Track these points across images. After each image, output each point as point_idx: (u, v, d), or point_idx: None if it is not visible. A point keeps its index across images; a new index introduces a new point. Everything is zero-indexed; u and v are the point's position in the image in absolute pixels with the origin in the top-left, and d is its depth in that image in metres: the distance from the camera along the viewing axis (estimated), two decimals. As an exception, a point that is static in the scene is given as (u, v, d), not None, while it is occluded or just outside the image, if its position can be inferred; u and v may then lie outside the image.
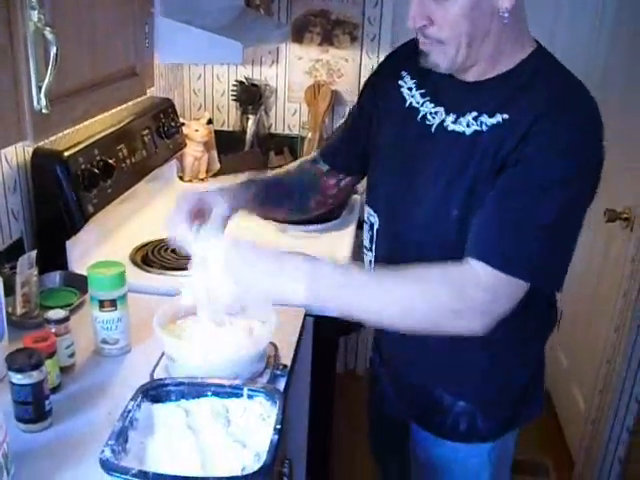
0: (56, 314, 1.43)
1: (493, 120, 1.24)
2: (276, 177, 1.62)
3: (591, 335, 2.82)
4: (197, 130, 2.74)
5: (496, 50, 1.24)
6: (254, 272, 1.24)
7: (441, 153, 1.31)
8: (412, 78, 1.41)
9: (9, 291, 1.56)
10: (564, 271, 1.23)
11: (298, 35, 2.99)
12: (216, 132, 2.93)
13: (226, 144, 2.94)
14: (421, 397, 1.53)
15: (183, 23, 1.63)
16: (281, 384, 1.43)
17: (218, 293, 1.27)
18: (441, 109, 1.33)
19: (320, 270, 1.22)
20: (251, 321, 1.47)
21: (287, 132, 3.13)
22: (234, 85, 3.04)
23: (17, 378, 1.23)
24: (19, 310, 1.62)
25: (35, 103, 1.04)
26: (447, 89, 1.33)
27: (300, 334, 1.64)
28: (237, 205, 1.43)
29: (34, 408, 1.26)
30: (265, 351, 1.44)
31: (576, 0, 2.99)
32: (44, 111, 1.04)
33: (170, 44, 1.65)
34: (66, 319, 1.44)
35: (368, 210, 1.51)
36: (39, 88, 1.03)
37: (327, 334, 1.82)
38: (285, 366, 1.47)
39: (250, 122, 2.99)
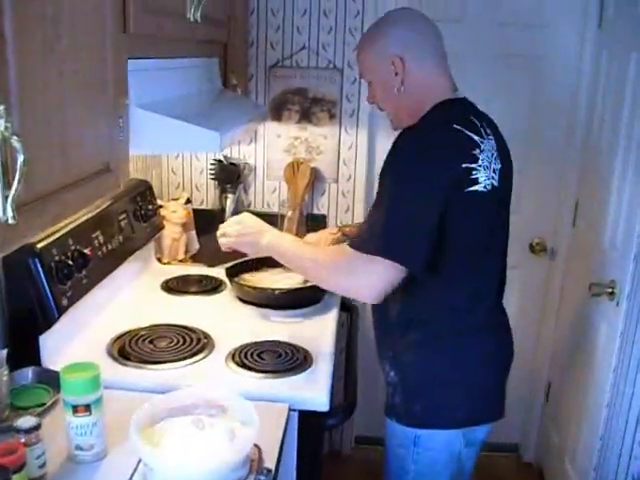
0: (26, 422, 1.35)
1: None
2: None
3: (582, 409, 2.76)
4: (175, 211, 2.70)
5: (409, 112, 1.76)
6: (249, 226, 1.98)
7: None
8: None
9: (-23, 394, 1.49)
10: (406, 242, 1.62)
11: (276, 113, 2.99)
12: (195, 211, 2.90)
13: (205, 223, 2.90)
14: (384, 377, 1.92)
15: (158, 113, 1.60)
16: (265, 491, 1.35)
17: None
18: None
19: (284, 248, 1.89)
20: (233, 422, 1.41)
21: (267, 210, 3.10)
22: (212, 164, 3.02)
23: (-18, 499, 1.15)
24: (-12, 413, 1.54)
25: (1, 214, 0.99)
26: None
27: (284, 433, 1.57)
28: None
29: (0, 531, 1.18)
30: (248, 456, 1.37)
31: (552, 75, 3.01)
32: (11, 222, 0.99)
33: (145, 135, 1.61)
34: (37, 427, 1.35)
35: None
36: (5, 198, 0.99)
37: (312, 430, 1.75)
38: (269, 470, 1.39)
39: (229, 201, 2.96)
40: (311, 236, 2.44)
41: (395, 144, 1.74)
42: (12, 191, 0.99)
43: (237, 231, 1.96)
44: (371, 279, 1.65)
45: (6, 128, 0.96)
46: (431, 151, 1.64)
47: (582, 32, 2.90)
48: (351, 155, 3.03)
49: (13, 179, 0.99)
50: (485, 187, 1.66)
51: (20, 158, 0.98)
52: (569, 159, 3.03)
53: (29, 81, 1.08)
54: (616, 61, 2.64)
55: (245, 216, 2.03)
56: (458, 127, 1.65)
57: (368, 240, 1.66)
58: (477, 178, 1.64)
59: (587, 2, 2.87)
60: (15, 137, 0.97)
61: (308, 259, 1.82)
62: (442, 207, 1.62)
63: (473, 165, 1.64)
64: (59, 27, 1.18)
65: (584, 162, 2.95)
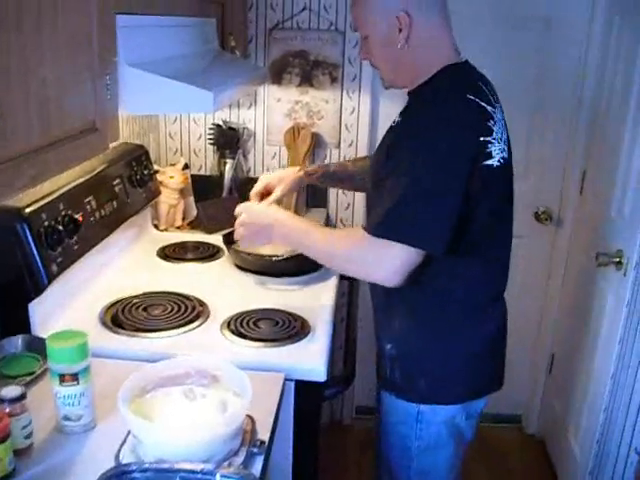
0: (10, 392, 1.31)
1: (398, 119, 1.72)
2: (342, 166, 2.28)
3: (586, 381, 2.72)
4: (172, 177, 2.63)
5: (409, 71, 1.66)
6: (258, 216, 1.87)
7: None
8: None
9: (-36, 362, 1.45)
10: (429, 225, 1.53)
11: (277, 76, 2.91)
12: (193, 177, 2.84)
13: (203, 189, 2.85)
14: (377, 350, 1.86)
15: (149, 72, 1.53)
16: (258, 464, 1.31)
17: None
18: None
19: (293, 232, 1.79)
20: (225, 393, 1.36)
21: (267, 176, 3.02)
22: (211, 128, 2.95)
23: (-39, 472, 1.11)
24: (-25, 382, 1.50)
25: (-26, 172, 0.93)
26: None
27: (279, 404, 1.52)
28: (295, 188, 2.28)
29: (-19, 504, 1.14)
30: (241, 427, 1.33)
31: (563, 40, 2.92)
32: (-17, 182, 0.93)
33: (136, 94, 1.54)
34: (22, 397, 1.31)
35: None
36: (-22, 155, 0.93)
37: (309, 401, 1.71)
38: (263, 442, 1.35)
39: (228, 166, 2.89)
40: (272, 176, 2.24)
41: (408, 115, 1.66)
42: (-16, 149, 0.93)
43: (250, 219, 1.87)
44: (394, 265, 1.56)
45: (-23, 81, 0.90)
46: (452, 126, 1.53)
47: (594, -5, 2.81)
48: (353, 120, 2.96)
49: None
50: (498, 161, 1.58)
51: (-7, 114, 0.92)
52: (577, 127, 2.96)
53: (3, 29, 1.01)
54: (628, 27, 2.56)
55: (248, 205, 1.98)
56: (472, 97, 1.56)
57: (386, 224, 1.55)
58: (491, 152, 1.56)
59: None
60: (-14, 90, 0.91)
61: (323, 251, 1.73)
62: (465, 185, 1.53)
63: (488, 138, 1.56)
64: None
65: (592, 130, 2.88)
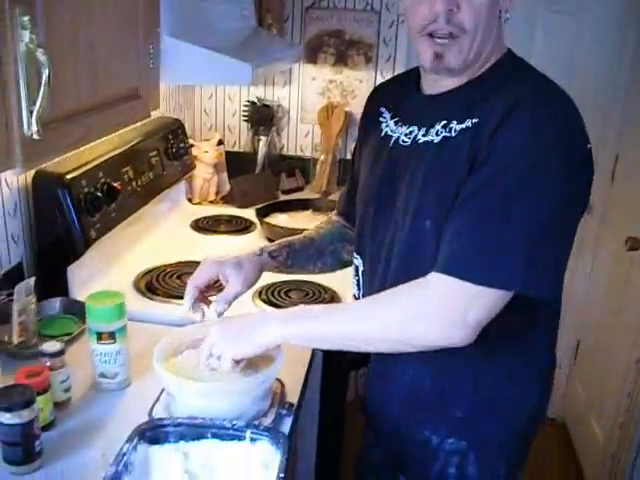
0: (51, 347, 1.36)
1: (462, 125, 1.21)
2: (307, 239, 1.64)
3: (611, 367, 2.73)
4: (207, 152, 2.68)
5: (490, 49, 1.24)
6: (240, 335, 1.28)
7: (414, 168, 1.27)
8: (389, 112, 1.40)
9: (5, 319, 1.51)
10: (552, 273, 1.15)
11: (312, 55, 2.93)
12: (227, 153, 2.88)
13: (237, 165, 2.89)
14: (403, 442, 1.42)
15: (189, 43, 1.57)
16: (286, 425, 1.35)
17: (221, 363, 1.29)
18: (414, 128, 1.30)
19: (292, 310, 1.30)
20: (256, 357, 1.40)
21: (299, 154, 3.07)
22: (245, 105, 2.99)
23: (5, 417, 1.16)
24: (16, 339, 1.55)
25: (26, 128, 0.97)
26: (419, 109, 1.32)
27: (308, 369, 1.56)
28: (254, 280, 1.49)
29: (23, 449, 1.19)
30: (270, 389, 1.37)
31: (597, 24, 2.90)
32: (35, 137, 0.97)
33: (176, 65, 1.58)
34: (61, 352, 1.36)
35: (354, 254, 1.49)
36: (30, 113, 0.97)
37: (337, 368, 1.74)
38: (291, 405, 1.39)
39: (261, 143, 2.93)
40: (222, 262, 1.47)
41: (509, 118, 1.14)
42: (37, 106, 0.97)
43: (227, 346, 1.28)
44: (479, 314, 1.12)
45: (31, 40, 0.94)
46: (576, 138, 1.17)
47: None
48: (386, 101, 2.97)
49: (38, 94, 0.98)
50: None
51: (45, 72, 0.96)
52: (609, 113, 2.94)
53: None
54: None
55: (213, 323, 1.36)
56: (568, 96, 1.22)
57: (481, 261, 1.12)
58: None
59: None
60: (41, 49, 0.95)
61: (358, 323, 1.21)
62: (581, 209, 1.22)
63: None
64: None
65: (625, 116, 2.86)
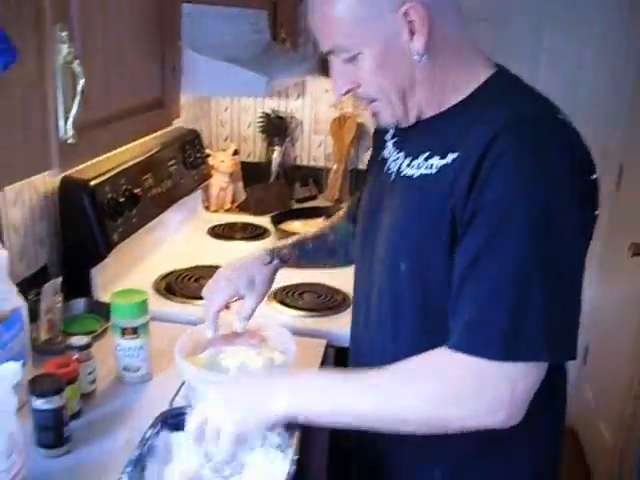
0: (79, 340, 1.45)
1: (443, 161, 1.10)
2: (320, 235, 1.66)
3: (618, 371, 2.78)
4: (223, 161, 2.77)
5: (435, 92, 1.13)
6: (243, 406, 1.14)
7: (395, 203, 1.20)
8: (394, 129, 1.28)
9: (34, 317, 1.58)
10: (574, 333, 1.09)
11: (324, 68, 3.01)
12: (242, 163, 2.97)
13: (252, 175, 2.98)
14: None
15: (208, 56, 1.66)
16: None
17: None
18: (401, 155, 1.23)
19: (300, 379, 1.19)
20: (272, 352, 1.47)
21: (312, 164, 3.16)
22: (260, 117, 3.08)
23: (38, 403, 1.24)
24: (43, 336, 1.64)
25: (62, 133, 1.06)
26: (411, 133, 1.21)
27: (321, 364, 1.64)
28: (268, 290, 1.54)
29: (54, 433, 1.27)
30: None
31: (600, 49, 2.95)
32: (70, 141, 1.07)
33: (194, 76, 1.67)
34: (88, 345, 1.45)
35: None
36: (66, 119, 1.06)
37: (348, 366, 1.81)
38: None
39: (276, 154, 3.02)
40: (233, 277, 1.52)
41: (490, 154, 1.01)
42: (72, 112, 1.06)
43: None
44: (526, 395, 1.04)
45: (69, 53, 1.04)
46: (585, 175, 1.06)
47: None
48: (397, 112, 3.04)
49: (73, 102, 1.07)
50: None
51: (80, 82, 1.05)
52: (614, 122, 2.99)
53: (90, 11, 1.15)
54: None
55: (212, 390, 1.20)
56: (568, 119, 1.10)
57: (501, 337, 1.01)
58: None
59: None
60: (77, 61, 1.04)
61: (377, 404, 1.08)
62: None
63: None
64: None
65: (631, 124, 2.92)
